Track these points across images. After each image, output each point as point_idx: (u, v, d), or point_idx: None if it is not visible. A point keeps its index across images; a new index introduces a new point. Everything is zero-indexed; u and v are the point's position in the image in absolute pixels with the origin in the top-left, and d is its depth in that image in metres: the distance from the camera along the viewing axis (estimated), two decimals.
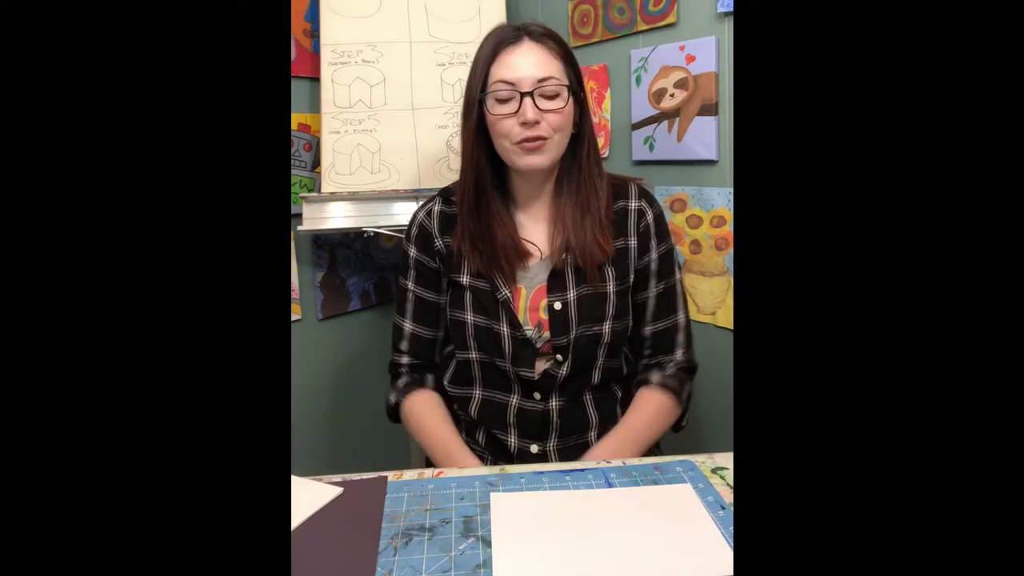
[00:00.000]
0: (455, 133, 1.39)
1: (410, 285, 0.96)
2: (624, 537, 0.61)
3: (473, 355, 0.91)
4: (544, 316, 0.89)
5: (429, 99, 1.39)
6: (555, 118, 0.84)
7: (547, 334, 0.89)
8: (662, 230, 0.94)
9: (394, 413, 0.99)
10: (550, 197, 0.92)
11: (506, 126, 0.85)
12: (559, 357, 0.89)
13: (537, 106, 0.83)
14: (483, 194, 0.88)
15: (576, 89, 0.87)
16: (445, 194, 0.96)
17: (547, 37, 0.87)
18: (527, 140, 0.84)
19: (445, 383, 0.98)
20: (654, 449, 0.98)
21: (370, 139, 1.37)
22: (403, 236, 0.99)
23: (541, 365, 0.89)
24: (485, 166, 0.88)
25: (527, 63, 0.84)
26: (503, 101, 0.84)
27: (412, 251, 0.95)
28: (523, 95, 0.83)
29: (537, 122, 0.83)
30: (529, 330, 0.89)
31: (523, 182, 0.91)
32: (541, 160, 0.85)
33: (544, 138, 0.84)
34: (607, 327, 0.89)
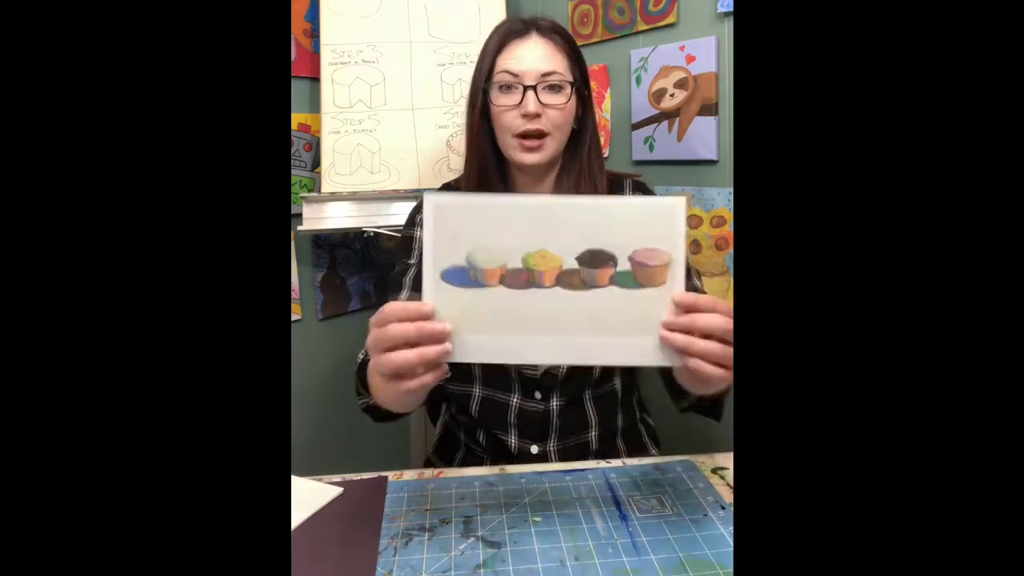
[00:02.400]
0: (455, 133, 1.38)
1: (411, 260, 0.91)
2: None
3: None
4: None
5: (429, 99, 1.39)
6: (556, 114, 0.85)
7: None
8: None
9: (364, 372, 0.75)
10: (550, 191, 0.93)
11: (508, 118, 0.85)
12: None
13: (539, 100, 0.84)
14: (486, 184, 0.89)
15: (580, 85, 0.88)
16: (447, 188, 0.96)
17: (555, 32, 0.88)
18: (527, 135, 0.84)
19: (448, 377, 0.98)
20: (654, 449, 0.98)
21: (370, 139, 1.37)
22: (404, 225, 0.95)
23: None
24: (489, 155, 0.89)
25: (532, 56, 0.85)
26: (506, 92, 0.85)
27: (419, 232, 0.92)
28: (526, 88, 0.84)
29: (538, 115, 0.84)
30: None
31: (523, 176, 0.92)
32: (538, 158, 0.86)
33: (544, 133, 0.85)
34: None
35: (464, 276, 0.58)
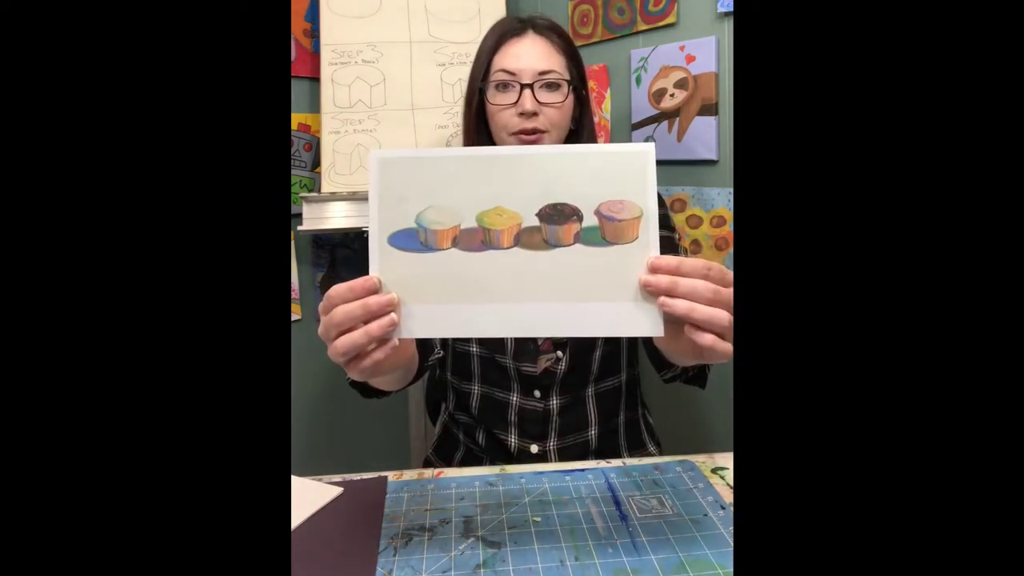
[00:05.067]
0: (455, 133, 1.39)
1: None
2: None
3: (473, 349, 0.91)
4: None
5: (429, 99, 1.39)
6: (553, 112, 0.85)
7: None
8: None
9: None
10: None
11: (504, 116, 0.85)
12: (559, 353, 0.89)
13: (536, 98, 0.84)
14: None
15: (577, 85, 0.87)
16: None
17: (551, 31, 0.88)
18: (524, 132, 0.84)
19: (448, 374, 0.98)
20: (653, 447, 0.98)
21: (370, 139, 1.37)
22: None
23: (542, 362, 0.89)
24: None
25: (530, 55, 0.85)
26: (503, 91, 0.85)
27: None
28: (523, 86, 0.84)
29: (535, 114, 0.84)
30: None
31: None
32: None
33: (541, 131, 0.84)
34: None
35: (414, 240, 0.53)
